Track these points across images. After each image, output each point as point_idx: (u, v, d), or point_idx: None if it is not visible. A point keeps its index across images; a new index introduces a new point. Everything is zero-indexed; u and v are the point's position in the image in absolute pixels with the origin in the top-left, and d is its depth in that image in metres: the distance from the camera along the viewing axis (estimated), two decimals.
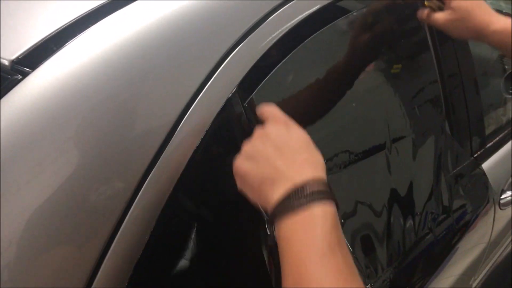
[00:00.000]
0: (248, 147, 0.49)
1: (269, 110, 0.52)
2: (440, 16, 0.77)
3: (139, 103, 0.49)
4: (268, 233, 0.49)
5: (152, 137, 0.49)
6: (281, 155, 0.47)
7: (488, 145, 1.04)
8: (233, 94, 0.54)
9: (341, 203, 0.47)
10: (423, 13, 0.79)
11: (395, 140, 0.77)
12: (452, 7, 0.75)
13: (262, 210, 0.49)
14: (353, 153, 0.73)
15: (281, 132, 0.49)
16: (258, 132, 0.50)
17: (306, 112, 0.66)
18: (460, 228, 0.93)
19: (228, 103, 0.54)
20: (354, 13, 0.71)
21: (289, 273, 0.42)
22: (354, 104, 0.73)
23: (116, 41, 0.50)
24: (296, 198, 0.43)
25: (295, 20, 0.60)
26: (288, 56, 0.60)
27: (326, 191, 0.45)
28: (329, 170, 0.61)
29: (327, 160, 0.65)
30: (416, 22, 0.85)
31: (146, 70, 0.50)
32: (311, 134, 0.51)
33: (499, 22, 0.75)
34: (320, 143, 0.51)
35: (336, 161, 0.67)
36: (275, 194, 0.45)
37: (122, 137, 0.47)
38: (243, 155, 0.49)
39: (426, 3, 0.78)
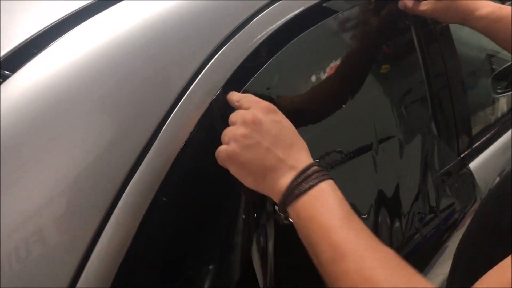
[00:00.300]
0: (241, 134, 0.49)
1: (250, 98, 0.53)
2: (427, 3, 0.78)
3: (122, 105, 0.48)
4: (283, 218, 0.50)
5: (136, 140, 0.48)
6: (278, 144, 0.49)
7: (475, 145, 1.05)
8: (218, 96, 0.54)
9: None
10: (408, 1, 0.79)
11: (381, 141, 0.77)
12: None
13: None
14: (340, 154, 0.73)
15: (273, 120, 0.51)
16: (247, 118, 0.50)
17: (292, 112, 0.66)
18: (449, 227, 0.94)
19: (213, 105, 0.53)
20: (341, 14, 0.72)
21: (322, 244, 0.44)
22: (343, 105, 0.73)
23: (99, 43, 0.49)
24: (306, 182, 0.47)
25: (280, 21, 0.60)
26: (274, 57, 0.60)
27: (324, 171, 0.49)
28: None
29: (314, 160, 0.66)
30: (402, 22, 0.86)
31: (130, 71, 0.50)
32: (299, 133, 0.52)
33: (485, 8, 0.76)
34: (307, 143, 0.52)
35: (323, 161, 0.68)
36: (283, 181, 0.48)
37: (104, 139, 0.47)
38: (239, 144, 0.49)
39: None
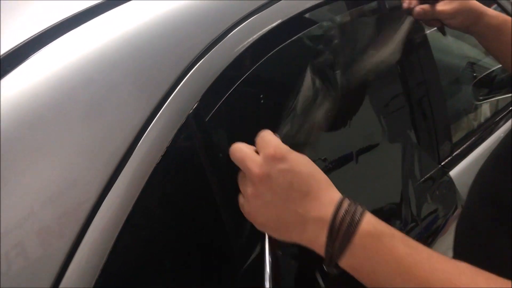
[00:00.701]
0: (251, 195, 0.47)
1: (263, 140, 0.48)
2: (440, 6, 0.78)
3: (98, 118, 0.48)
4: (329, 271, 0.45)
5: (110, 156, 0.48)
6: (293, 198, 0.45)
7: (456, 152, 1.06)
8: (194, 109, 0.54)
9: None
10: (425, 5, 0.78)
11: (361, 151, 0.78)
12: None
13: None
14: (323, 162, 0.74)
15: (282, 170, 0.45)
16: (254, 174, 0.46)
17: (270, 124, 0.66)
18: (431, 233, 0.95)
19: (190, 118, 0.54)
20: (320, 25, 0.73)
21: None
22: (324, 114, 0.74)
23: (79, 56, 0.49)
24: (344, 234, 0.42)
25: (256, 35, 0.60)
26: (251, 70, 0.60)
27: (351, 203, 0.44)
28: None
29: None
30: (382, 33, 0.87)
31: (106, 86, 0.49)
32: None
33: (491, 10, 0.78)
34: None
35: None
36: (316, 240, 0.44)
37: (80, 153, 0.47)
38: (252, 204, 0.47)
39: None
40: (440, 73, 1.12)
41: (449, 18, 0.79)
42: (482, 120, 1.37)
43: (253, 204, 0.46)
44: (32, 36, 0.51)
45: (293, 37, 0.67)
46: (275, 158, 0.46)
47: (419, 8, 0.79)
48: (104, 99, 0.49)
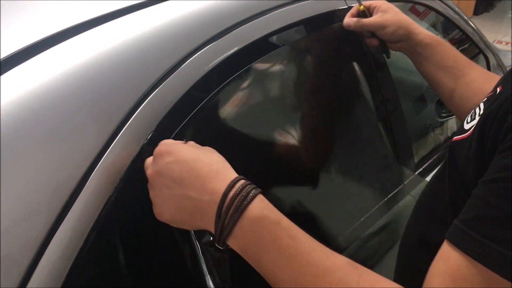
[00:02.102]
0: (153, 195, 0.49)
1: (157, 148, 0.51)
2: (371, 19, 0.81)
3: (50, 149, 0.48)
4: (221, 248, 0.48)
5: (64, 186, 0.48)
6: (186, 184, 0.47)
7: (419, 170, 1.08)
8: (149, 139, 0.54)
9: None
10: (352, 20, 0.82)
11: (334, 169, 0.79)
12: (383, 10, 0.82)
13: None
14: (298, 187, 0.74)
15: (169, 163, 0.48)
16: (149, 176, 0.49)
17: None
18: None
19: (144, 148, 0.54)
20: (276, 52, 0.74)
21: (286, 270, 0.43)
22: (292, 134, 0.75)
23: (49, 78, 0.49)
24: (231, 216, 0.45)
25: (211, 64, 0.61)
26: (206, 99, 0.61)
27: (245, 184, 0.46)
28: None
29: None
30: (341, 55, 0.89)
31: (60, 116, 0.49)
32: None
33: (424, 30, 0.81)
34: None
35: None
36: (209, 220, 0.46)
37: (33, 183, 0.46)
38: (157, 205, 0.49)
39: (361, 8, 0.83)
40: (404, 91, 1.15)
41: (379, 29, 0.82)
42: (446, 137, 1.41)
43: (157, 203, 0.49)
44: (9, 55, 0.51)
45: (247, 65, 0.68)
46: (161, 154, 0.49)
47: (348, 18, 0.82)
48: (60, 128, 0.49)
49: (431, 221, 0.47)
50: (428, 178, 1.08)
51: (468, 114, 0.57)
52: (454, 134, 0.57)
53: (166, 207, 0.48)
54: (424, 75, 0.87)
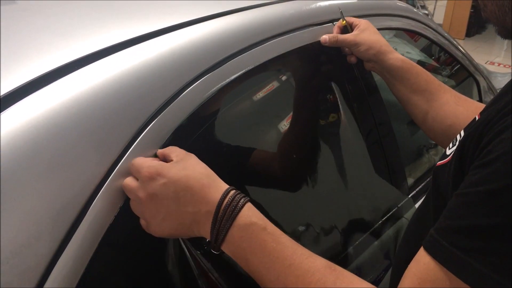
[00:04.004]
0: (150, 214, 0.52)
1: (134, 166, 0.54)
2: (346, 36, 0.85)
3: (50, 180, 0.49)
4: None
5: (62, 219, 0.49)
6: (183, 202, 0.51)
7: (412, 193, 1.10)
8: None
9: None
10: (329, 35, 0.85)
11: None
12: (361, 29, 0.85)
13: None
14: (290, 211, 0.76)
15: (162, 184, 0.51)
16: (142, 197, 0.52)
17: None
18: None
19: None
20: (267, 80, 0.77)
21: (270, 272, 0.49)
22: (294, 156, 0.77)
23: (49, 110, 0.51)
24: (223, 225, 0.50)
25: (209, 93, 0.64)
26: (204, 128, 0.63)
27: (235, 194, 0.51)
28: None
29: None
30: (330, 79, 0.92)
31: (59, 150, 0.51)
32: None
33: (397, 55, 0.85)
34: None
35: None
36: (205, 229, 0.51)
37: (34, 212, 0.48)
38: (155, 223, 0.52)
39: (343, 22, 0.87)
40: (396, 114, 1.18)
41: (352, 46, 0.86)
42: (439, 158, 1.43)
43: (154, 222, 0.52)
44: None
45: (243, 92, 0.71)
46: (151, 178, 0.52)
47: (325, 35, 0.86)
48: (60, 159, 0.50)
49: (418, 245, 0.50)
50: (420, 201, 1.10)
51: (441, 136, 0.59)
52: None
53: (165, 224, 0.52)
54: (397, 97, 0.89)
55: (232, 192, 0.52)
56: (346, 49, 0.89)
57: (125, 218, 0.53)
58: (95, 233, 0.51)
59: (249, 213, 0.51)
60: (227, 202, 0.51)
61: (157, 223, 0.52)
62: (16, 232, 0.46)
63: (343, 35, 0.86)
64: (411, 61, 0.86)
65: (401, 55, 0.86)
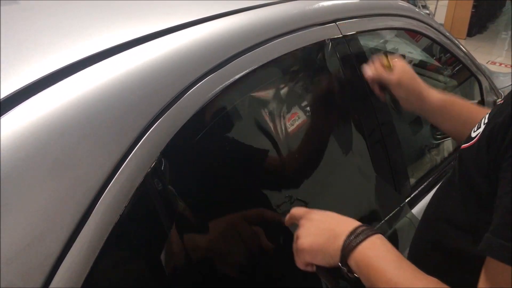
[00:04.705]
0: (302, 231, 0.63)
1: (296, 213, 0.66)
2: (390, 78, 0.89)
3: (57, 179, 0.49)
4: (347, 272, 0.59)
5: (71, 215, 0.49)
6: (326, 225, 0.62)
7: (414, 193, 1.10)
8: (152, 168, 0.56)
9: None
10: (373, 73, 0.90)
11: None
12: (402, 70, 0.89)
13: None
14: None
15: (316, 219, 0.64)
16: (303, 222, 0.65)
17: (230, 178, 0.69)
18: None
19: (148, 177, 0.56)
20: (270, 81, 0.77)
21: (379, 283, 0.54)
22: (296, 156, 0.77)
23: (54, 110, 0.51)
24: (356, 238, 0.58)
25: (212, 93, 0.64)
26: (208, 127, 0.63)
27: (372, 229, 0.59)
28: None
29: None
30: (332, 81, 0.92)
31: (66, 148, 0.51)
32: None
33: (434, 94, 0.87)
34: None
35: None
36: (339, 242, 0.59)
37: (42, 209, 0.48)
38: (302, 237, 0.62)
39: (387, 63, 0.90)
40: (399, 114, 1.18)
41: (395, 87, 0.90)
42: (441, 158, 1.43)
43: (303, 236, 0.63)
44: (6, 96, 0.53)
45: (246, 93, 0.71)
46: (311, 215, 0.65)
47: (370, 70, 0.92)
48: (64, 159, 0.51)
49: (442, 223, 0.53)
50: (424, 199, 1.10)
51: None
52: (456, 149, 0.62)
53: (310, 237, 0.62)
54: (438, 127, 0.93)
55: (362, 226, 0.60)
56: (369, 71, 0.92)
57: (130, 218, 0.53)
58: (100, 233, 0.51)
59: (368, 245, 0.58)
60: (362, 228, 0.59)
61: (304, 236, 0.62)
62: (21, 232, 0.46)
63: (386, 76, 0.90)
64: (450, 98, 0.88)
65: (439, 93, 0.89)
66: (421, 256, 0.66)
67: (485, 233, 0.49)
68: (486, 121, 0.59)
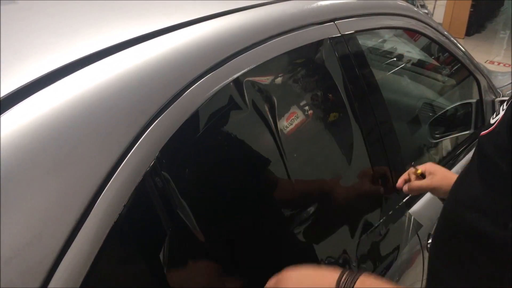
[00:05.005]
0: None
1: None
2: (424, 182, 0.90)
3: (57, 178, 0.50)
4: None
5: (71, 213, 0.50)
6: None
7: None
8: (152, 167, 0.56)
9: None
10: (406, 186, 0.91)
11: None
12: (432, 172, 0.89)
13: None
14: (295, 208, 0.76)
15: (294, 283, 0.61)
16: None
17: (227, 177, 0.69)
18: (397, 269, 0.98)
19: (147, 175, 0.56)
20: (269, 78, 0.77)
21: None
22: (294, 155, 0.78)
23: (53, 109, 0.51)
24: (345, 285, 0.58)
25: (211, 91, 0.64)
26: (207, 126, 0.64)
27: (351, 271, 0.59)
28: None
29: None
30: (330, 79, 0.92)
31: (66, 146, 0.51)
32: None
33: None
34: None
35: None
36: None
37: (41, 209, 0.48)
38: None
39: (418, 171, 0.92)
40: (398, 113, 1.19)
41: (432, 191, 0.90)
42: (440, 157, 1.44)
43: None
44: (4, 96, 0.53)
45: (244, 93, 0.71)
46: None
47: (404, 185, 0.93)
48: (67, 157, 0.51)
49: (461, 209, 0.55)
50: (423, 199, 1.10)
51: None
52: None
53: None
54: None
55: (346, 272, 0.60)
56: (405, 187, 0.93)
57: (129, 216, 0.53)
58: (100, 232, 0.51)
59: (367, 278, 0.58)
60: (347, 273, 0.59)
61: None
62: (20, 231, 0.46)
63: (420, 182, 0.91)
64: None
65: None
66: (444, 244, 0.66)
67: (504, 215, 0.49)
68: (504, 107, 0.60)
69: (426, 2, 5.85)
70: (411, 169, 0.93)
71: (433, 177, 0.90)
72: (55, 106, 0.52)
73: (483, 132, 0.62)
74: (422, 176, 0.91)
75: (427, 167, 0.92)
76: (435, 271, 0.66)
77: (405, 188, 0.92)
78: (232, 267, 0.70)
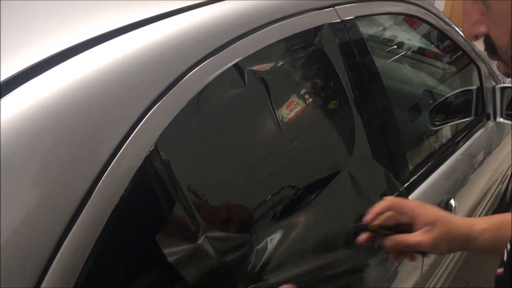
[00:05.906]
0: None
1: None
2: (418, 237, 0.66)
3: (54, 167, 0.50)
4: None
5: (70, 198, 0.50)
6: None
7: (413, 178, 1.11)
8: (152, 151, 0.56)
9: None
10: (389, 240, 0.69)
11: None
12: (426, 222, 0.67)
13: None
14: (292, 201, 0.76)
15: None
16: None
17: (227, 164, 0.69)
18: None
19: (147, 160, 0.56)
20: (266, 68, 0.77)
21: None
22: (295, 143, 0.78)
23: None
24: None
25: (211, 77, 0.64)
26: (207, 112, 0.64)
27: None
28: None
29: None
30: (331, 66, 0.92)
31: (63, 134, 0.51)
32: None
33: (481, 221, 0.69)
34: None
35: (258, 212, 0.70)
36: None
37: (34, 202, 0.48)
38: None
39: (370, 228, 0.69)
40: (398, 100, 1.19)
41: (431, 249, 0.68)
42: (440, 144, 1.44)
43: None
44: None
45: (243, 78, 0.71)
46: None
47: (388, 240, 0.68)
48: (64, 141, 0.50)
49: None
50: (423, 185, 1.11)
51: None
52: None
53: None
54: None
55: None
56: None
57: (130, 200, 0.54)
58: (100, 216, 0.52)
59: None
60: None
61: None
62: (11, 230, 0.46)
63: (415, 238, 0.67)
64: (496, 221, 0.69)
65: (484, 220, 0.70)
66: None
67: None
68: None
69: None
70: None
71: (431, 230, 0.66)
72: (55, 90, 0.52)
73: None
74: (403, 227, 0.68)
75: (416, 211, 0.68)
76: None
77: (386, 240, 0.69)
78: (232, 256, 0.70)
